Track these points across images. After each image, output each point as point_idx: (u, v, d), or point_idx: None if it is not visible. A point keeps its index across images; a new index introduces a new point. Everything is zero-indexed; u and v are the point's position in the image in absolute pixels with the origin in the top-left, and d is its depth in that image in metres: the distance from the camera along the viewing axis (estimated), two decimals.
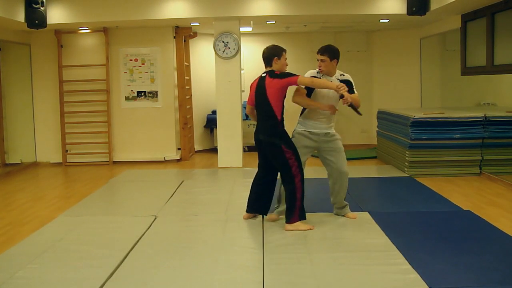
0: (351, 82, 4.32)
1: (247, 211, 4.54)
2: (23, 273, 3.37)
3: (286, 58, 4.29)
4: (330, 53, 4.24)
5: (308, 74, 4.35)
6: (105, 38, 7.97)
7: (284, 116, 4.22)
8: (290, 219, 4.18)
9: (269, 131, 4.18)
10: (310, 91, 4.28)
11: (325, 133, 4.34)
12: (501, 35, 5.96)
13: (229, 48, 7.26)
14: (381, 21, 7.86)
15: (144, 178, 6.76)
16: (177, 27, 8.06)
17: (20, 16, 6.74)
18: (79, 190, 6.14)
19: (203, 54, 8.92)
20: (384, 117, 7.52)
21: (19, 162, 7.93)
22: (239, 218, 4.54)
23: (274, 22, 7.75)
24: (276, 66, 4.23)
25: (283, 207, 4.37)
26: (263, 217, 4.49)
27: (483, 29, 6.27)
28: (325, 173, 6.65)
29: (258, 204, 4.47)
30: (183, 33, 8.11)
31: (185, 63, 8.27)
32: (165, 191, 5.72)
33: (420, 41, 8.87)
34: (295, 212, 4.17)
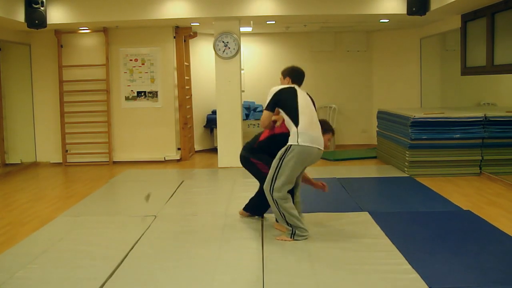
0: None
1: (243, 208, 4.56)
2: (23, 273, 3.37)
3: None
4: (283, 72, 4.29)
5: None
6: (105, 38, 7.97)
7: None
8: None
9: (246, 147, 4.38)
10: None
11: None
12: (501, 35, 5.96)
13: (229, 48, 7.26)
14: (381, 21, 7.86)
15: (144, 178, 6.76)
16: (177, 27, 8.06)
17: (20, 16, 6.74)
18: (79, 190, 6.14)
19: (203, 54, 8.92)
20: (384, 117, 7.52)
21: (19, 162, 7.93)
22: (239, 218, 4.55)
23: (274, 22, 7.75)
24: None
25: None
26: (263, 217, 4.50)
27: (483, 29, 6.27)
28: (325, 173, 6.69)
29: (250, 205, 4.51)
30: (183, 33, 8.11)
31: (185, 63, 8.27)
32: (165, 191, 5.72)
33: (420, 41, 8.87)
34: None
